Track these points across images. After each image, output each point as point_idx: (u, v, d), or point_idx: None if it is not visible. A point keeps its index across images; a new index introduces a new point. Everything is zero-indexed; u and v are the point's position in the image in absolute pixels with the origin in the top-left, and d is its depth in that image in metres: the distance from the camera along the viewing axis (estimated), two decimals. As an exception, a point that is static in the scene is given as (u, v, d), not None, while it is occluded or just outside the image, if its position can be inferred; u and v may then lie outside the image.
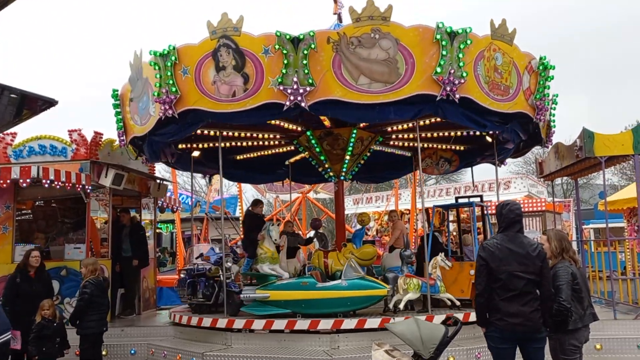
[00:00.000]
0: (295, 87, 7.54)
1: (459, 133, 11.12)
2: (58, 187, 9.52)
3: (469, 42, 7.73)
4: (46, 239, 11.50)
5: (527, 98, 8.75)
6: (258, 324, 8.38)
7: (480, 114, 8.42)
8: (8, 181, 9.42)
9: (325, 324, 8.10)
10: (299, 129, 10.68)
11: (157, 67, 8.04)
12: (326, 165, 11.04)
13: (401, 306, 8.59)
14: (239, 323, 8.53)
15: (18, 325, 7.51)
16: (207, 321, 8.89)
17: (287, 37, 7.52)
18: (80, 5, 76.79)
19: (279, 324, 8.27)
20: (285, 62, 7.55)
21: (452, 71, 7.62)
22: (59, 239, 11.41)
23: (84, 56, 73.01)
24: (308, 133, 10.68)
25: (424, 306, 8.87)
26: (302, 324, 8.17)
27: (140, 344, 9.54)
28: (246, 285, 9.35)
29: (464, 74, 7.71)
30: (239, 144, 11.58)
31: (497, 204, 5.65)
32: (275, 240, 9.10)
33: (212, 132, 10.10)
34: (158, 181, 12.64)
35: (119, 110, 9.64)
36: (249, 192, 31.11)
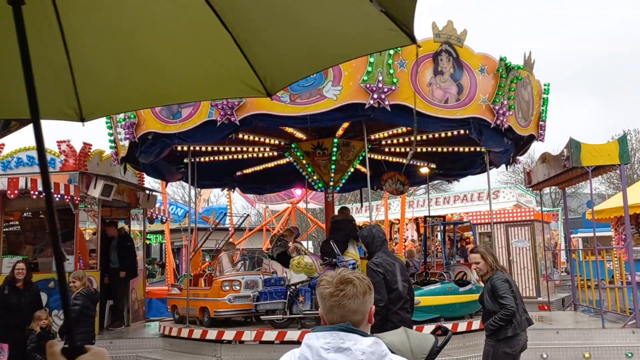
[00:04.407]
0: (504, 109, 8.49)
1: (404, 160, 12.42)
2: (46, 198, 9.43)
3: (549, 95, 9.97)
4: (34, 251, 11.39)
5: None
6: (248, 335, 8.32)
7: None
8: (-4, 192, 9.35)
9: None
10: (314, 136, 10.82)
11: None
12: (331, 175, 11.06)
13: None
14: (229, 334, 8.47)
15: (7, 338, 7.43)
16: (197, 332, 8.81)
17: (508, 64, 8.35)
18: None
19: (269, 335, 8.24)
20: (501, 84, 8.40)
21: (545, 119, 9.90)
22: (46, 250, 11.29)
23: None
24: (335, 140, 10.69)
25: None
26: (292, 334, 8.12)
27: (129, 356, 9.44)
28: None
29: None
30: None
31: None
32: None
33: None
34: (147, 192, 12.59)
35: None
36: (239, 202, 31.09)
